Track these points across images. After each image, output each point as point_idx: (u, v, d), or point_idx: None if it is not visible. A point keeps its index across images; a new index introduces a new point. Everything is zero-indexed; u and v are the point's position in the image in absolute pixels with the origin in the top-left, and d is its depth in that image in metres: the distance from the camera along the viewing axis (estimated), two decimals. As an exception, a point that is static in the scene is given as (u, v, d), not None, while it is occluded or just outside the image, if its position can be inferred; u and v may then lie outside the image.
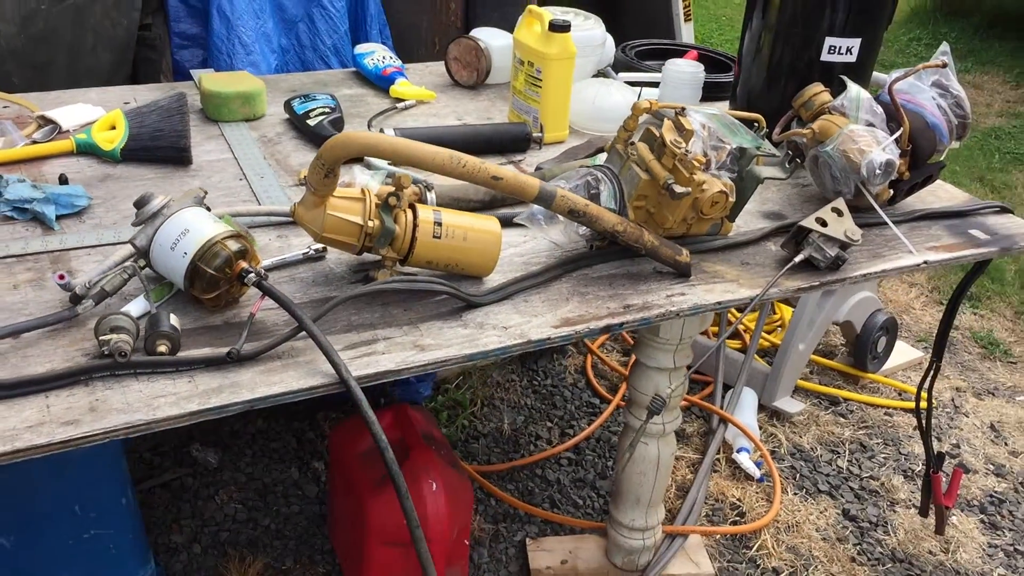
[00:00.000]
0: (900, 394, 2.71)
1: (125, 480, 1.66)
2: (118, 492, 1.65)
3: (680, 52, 2.36)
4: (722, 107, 2.08)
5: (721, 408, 2.50)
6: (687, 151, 1.36)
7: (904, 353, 2.87)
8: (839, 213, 1.49)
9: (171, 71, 2.42)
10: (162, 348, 1.13)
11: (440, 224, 1.31)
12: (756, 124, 1.57)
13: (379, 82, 2.09)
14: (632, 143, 1.43)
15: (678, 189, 1.34)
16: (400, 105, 1.98)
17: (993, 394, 2.77)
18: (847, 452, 2.45)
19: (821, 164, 1.62)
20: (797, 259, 1.45)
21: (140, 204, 1.25)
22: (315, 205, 1.29)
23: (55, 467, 1.50)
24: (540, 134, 1.83)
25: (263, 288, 1.20)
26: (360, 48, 2.16)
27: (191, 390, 1.11)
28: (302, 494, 2.16)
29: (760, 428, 2.48)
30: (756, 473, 2.29)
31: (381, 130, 1.72)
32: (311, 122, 1.80)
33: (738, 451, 2.33)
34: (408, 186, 1.31)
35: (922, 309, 3.17)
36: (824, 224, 1.46)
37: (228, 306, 1.26)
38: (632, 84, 2.09)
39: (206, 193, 1.31)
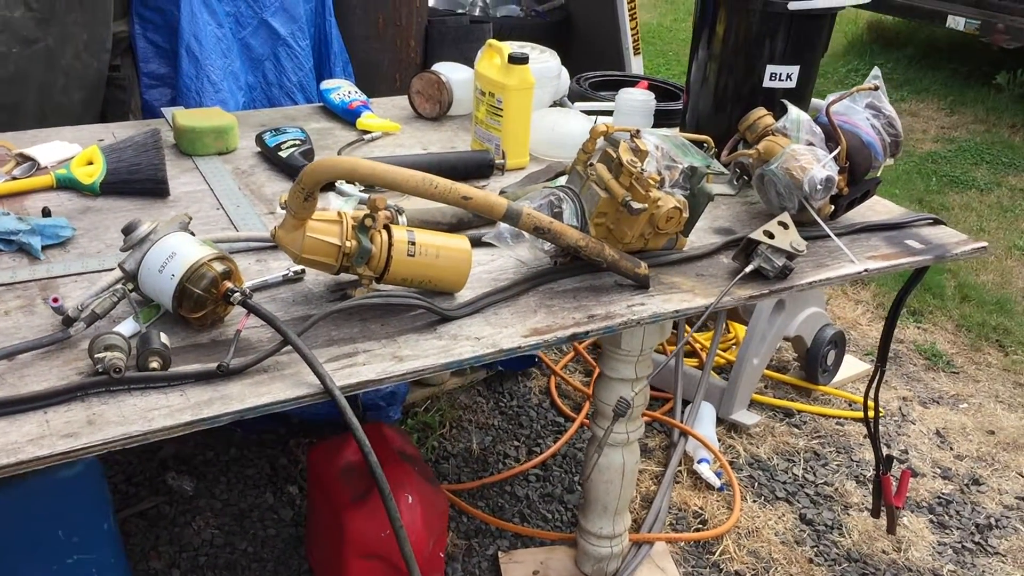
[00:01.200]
0: (850, 404, 2.82)
1: (107, 506, 1.69)
2: (100, 517, 1.68)
3: (632, 82, 2.47)
4: (673, 131, 2.19)
5: (681, 422, 2.58)
6: (643, 170, 1.45)
7: (853, 366, 2.98)
8: (784, 226, 1.59)
9: (140, 110, 2.48)
10: (154, 364, 1.19)
11: (414, 243, 1.38)
12: (705, 145, 1.67)
13: (346, 115, 2.16)
14: (591, 164, 1.52)
15: (635, 205, 1.42)
16: (367, 137, 2.06)
17: (938, 402, 2.89)
18: (802, 460, 2.55)
19: (767, 182, 1.72)
20: (747, 269, 1.55)
21: (128, 230, 1.31)
22: (295, 228, 1.35)
23: (39, 492, 1.53)
24: (502, 161, 1.92)
25: (248, 306, 1.26)
26: (326, 84, 2.24)
27: (183, 403, 1.16)
28: (278, 517, 2.20)
29: (719, 440, 2.57)
30: (716, 483, 2.37)
31: (351, 159, 1.79)
32: (283, 153, 1.86)
33: (699, 462, 2.41)
34: (383, 207, 1.38)
35: (868, 324, 3.30)
36: (771, 236, 1.56)
37: (214, 325, 1.32)
38: (588, 112, 2.19)
39: (191, 219, 1.37)
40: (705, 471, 2.39)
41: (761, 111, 1.82)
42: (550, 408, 2.69)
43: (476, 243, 1.54)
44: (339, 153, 1.93)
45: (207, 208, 1.69)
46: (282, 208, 1.34)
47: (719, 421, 2.65)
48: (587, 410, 2.64)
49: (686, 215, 1.52)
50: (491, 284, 1.49)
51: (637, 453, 1.88)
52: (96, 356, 1.17)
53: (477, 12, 3.52)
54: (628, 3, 3.20)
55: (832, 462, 2.56)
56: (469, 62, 2.10)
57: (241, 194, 1.75)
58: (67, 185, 1.72)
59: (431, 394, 2.64)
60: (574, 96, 2.35)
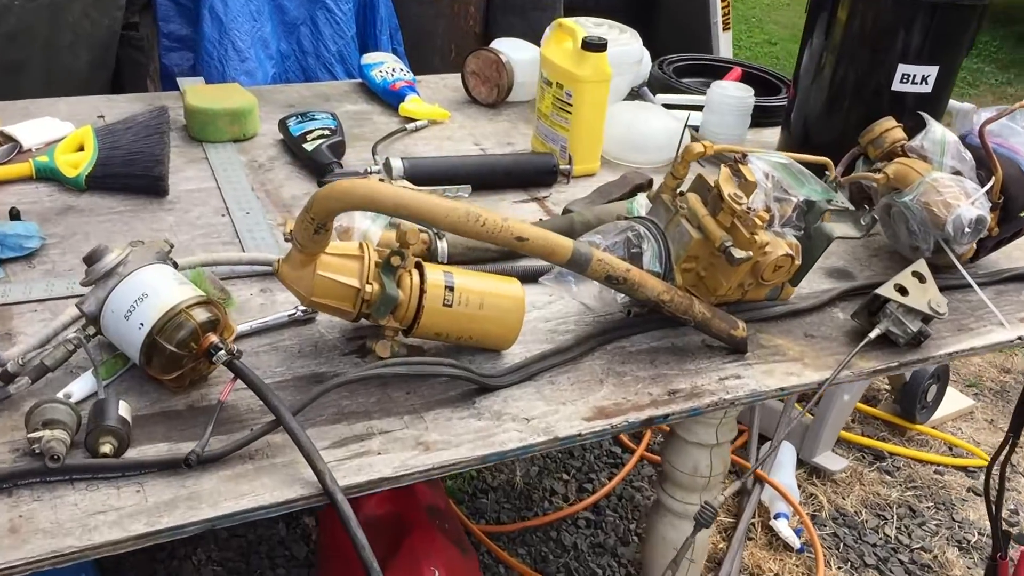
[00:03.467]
0: (951, 448, 2.50)
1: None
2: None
3: (722, 68, 2.15)
4: (772, 135, 1.88)
5: (756, 461, 2.30)
6: (749, 208, 1.15)
7: (954, 401, 2.66)
8: (921, 279, 1.28)
9: (159, 76, 2.23)
10: (106, 448, 0.94)
11: (452, 289, 1.11)
12: (826, 172, 1.36)
13: (387, 97, 1.89)
14: (681, 193, 1.22)
15: (738, 254, 1.13)
16: (410, 126, 1.78)
17: (1053, 450, 2.56)
18: (895, 518, 2.25)
19: (895, 215, 1.41)
20: (872, 335, 1.25)
21: (91, 260, 1.05)
22: (303, 264, 1.09)
23: None
24: (568, 166, 1.63)
25: (235, 370, 1.00)
26: (367, 58, 1.96)
27: (138, 504, 0.91)
28: (289, 555, 1.97)
29: (799, 487, 2.27)
30: (796, 543, 2.08)
31: (387, 160, 1.52)
32: (308, 146, 1.60)
33: (776, 517, 2.13)
34: (415, 243, 1.11)
35: (972, 350, 2.96)
36: (904, 293, 1.25)
37: (195, 385, 1.07)
38: (669, 107, 1.89)
39: (171, 247, 1.11)
40: (784, 528, 2.10)
41: (889, 122, 1.50)
42: (605, 434, 2.42)
43: (531, 278, 1.26)
44: (374, 148, 1.65)
45: (210, 214, 1.43)
46: (287, 240, 1.08)
47: (799, 463, 2.35)
48: (647, 440, 2.36)
49: (798, 263, 1.22)
50: (548, 337, 1.21)
51: (711, 527, 1.60)
52: (31, 436, 0.92)
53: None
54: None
55: (930, 520, 2.26)
56: (538, 35, 1.81)
57: (253, 196, 1.49)
58: (48, 176, 1.47)
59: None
60: (655, 84, 2.04)
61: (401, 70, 1.92)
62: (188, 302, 1.02)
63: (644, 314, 1.24)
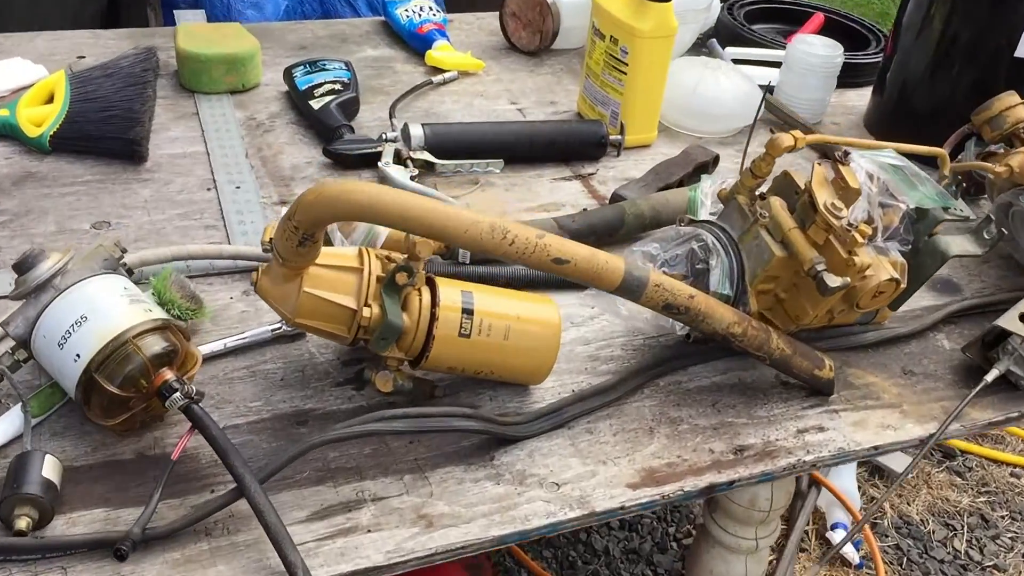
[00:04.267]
0: (1029, 447, 2.27)
1: None
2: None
3: (801, 13, 1.88)
4: (859, 97, 1.63)
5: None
6: (850, 224, 0.92)
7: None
8: (1052, 306, 1.05)
9: (160, 3, 2.00)
10: (22, 523, 0.75)
11: (471, 314, 0.89)
12: (939, 164, 1.11)
13: (412, 42, 1.65)
14: (762, 197, 0.99)
15: (832, 282, 0.90)
16: (437, 78, 1.55)
17: None
18: (965, 528, 2.04)
19: (1018, 216, 1.17)
20: (989, 377, 1.02)
21: (21, 268, 0.85)
22: (286, 279, 0.88)
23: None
24: (620, 136, 1.39)
25: (193, 418, 0.80)
26: (392, -7, 1.72)
27: (58, 601, 0.72)
28: None
29: (858, 489, 2.06)
30: (855, 558, 1.88)
31: (406, 126, 1.30)
32: (315, 103, 1.37)
33: (833, 527, 1.92)
34: (426, 256, 0.89)
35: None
36: (1032, 325, 1.02)
37: (148, 426, 0.87)
38: (740, 62, 1.63)
39: (124, 251, 0.90)
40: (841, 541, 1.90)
41: (1012, 98, 1.25)
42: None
43: (568, 284, 1.05)
44: (392, 109, 1.42)
45: (194, 187, 1.22)
46: (265, 250, 0.87)
47: (860, 462, 2.14)
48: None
49: (903, 286, 0.99)
50: (586, 365, 1.00)
51: (765, 563, 1.40)
52: (-75, 506, 0.74)
53: None
54: None
55: (1004, 533, 2.04)
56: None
57: (247, 165, 1.28)
58: (7, 134, 1.27)
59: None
60: (723, 34, 1.77)
61: (431, 9, 1.68)
62: (138, 328, 0.82)
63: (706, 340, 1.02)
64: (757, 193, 1.00)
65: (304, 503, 0.82)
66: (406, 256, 0.89)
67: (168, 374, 0.82)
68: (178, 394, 0.81)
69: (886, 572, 1.89)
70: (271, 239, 0.86)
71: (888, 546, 1.97)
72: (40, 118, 1.27)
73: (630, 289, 0.88)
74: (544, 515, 0.84)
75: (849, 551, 1.89)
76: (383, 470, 0.86)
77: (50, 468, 0.78)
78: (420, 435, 0.88)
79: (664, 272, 0.97)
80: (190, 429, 0.81)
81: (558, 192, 1.30)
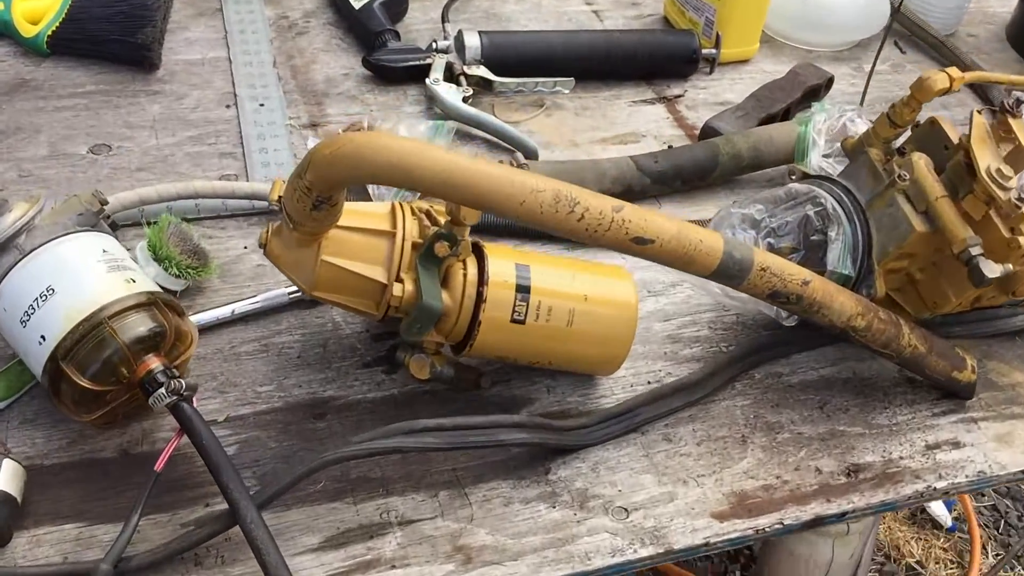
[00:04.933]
0: None
1: None
2: None
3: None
4: (1001, 4, 1.38)
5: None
6: (1021, 196, 0.72)
7: None
8: None
9: None
10: (-31, 552, 0.62)
11: (527, 293, 0.73)
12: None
13: (473, -74, 1.43)
14: (901, 152, 0.79)
15: (990, 272, 0.72)
16: (499, -28, 1.34)
17: None
18: (1072, 490, 1.86)
19: None
20: None
21: (-20, 223, 0.70)
22: (301, 244, 0.72)
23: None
24: (714, 50, 1.19)
25: (181, 421, 0.66)
26: None
27: (9, 653, 0.60)
28: None
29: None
30: (947, 519, 1.72)
31: (460, 33, 1.11)
32: (356, 2, 1.18)
33: (924, 487, 1.76)
34: (474, 221, 0.72)
35: None
36: None
37: (133, 416, 0.73)
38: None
39: (105, 203, 0.75)
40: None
41: None
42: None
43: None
44: (446, 11, 1.22)
45: (211, 103, 1.06)
46: (274, 208, 0.70)
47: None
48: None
49: (1073, 268, 0.79)
50: (664, 349, 0.84)
51: (854, 547, 1.25)
52: None
53: None
54: None
55: (1115, 497, 1.86)
56: None
57: (275, 76, 1.11)
58: (1, 31, 1.11)
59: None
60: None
61: None
62: (116, 305, 0.67)
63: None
64: (896, 148, 0.80)
65: (316, 524, 0.68)
66: (448, 219, 0.72)
67: (153, 362, 0.68)
68: (163, 390, 0.66)
69: (981, 538, 1.73)
70: (280, 197, 0.70)
71: (984, 506, 1.80)
72: (38, 14, 1.10)
73: (729, 274, 0.70)
74: (609, 552, 0.69)
75: (941, 512, 1.73)
76: (413, 483, 0.72)
77: (9, 477, 0.65)
78: (459, 451, 0.72)
79: (770, 244, 0.79)
80: (178, 432, 0.67)
81: (637, 119, 1.11)
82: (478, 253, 0.74)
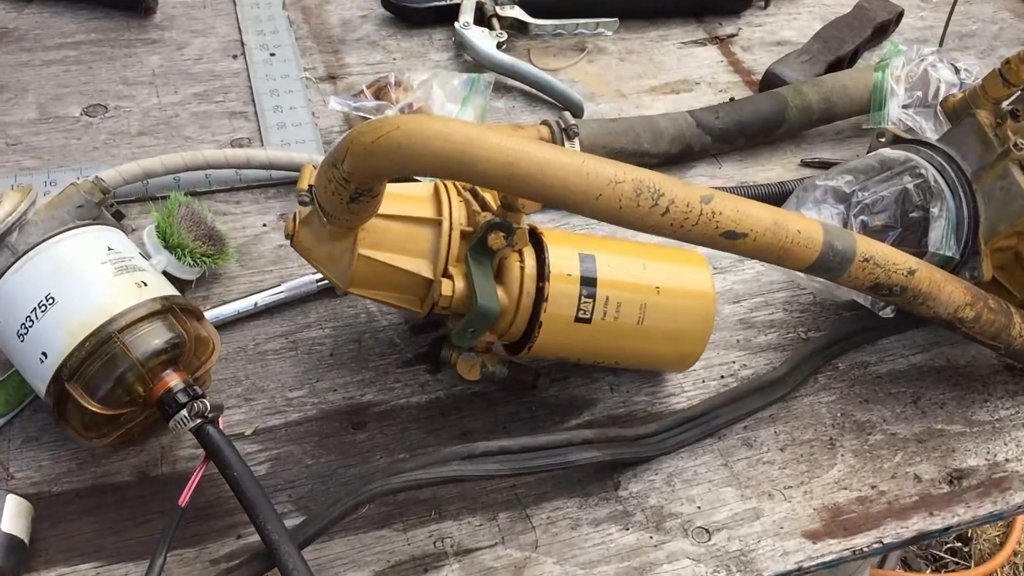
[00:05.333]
0: None
1: None
2: None
3: None
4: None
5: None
6: None
7: None
8: None
9: None
10: (-29, 609, 0.55)
11: (593, 286, 0.64)
12: None
13: None
14: (1015, 115, 0.70)
15: (1126, 259, 0.63)
16: None
17: None
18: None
19: None
20: None
21: (-38, 220, 0.61)
22: (335, 236, 0.63)
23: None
24: (770, -19, 1.08)
25: (208, 448, 0.58)
26: None
27: None
28: None
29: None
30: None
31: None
32: (372, -68, 1.07)
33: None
34: (533, 210, 0.63)
35: None
36: None
37: (150, 431, 0.65)
38: None
39: (106, 192, 0.66)
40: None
41: None
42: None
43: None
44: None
45: (215, 52, 0.96)
46: (302, 202, 0.61)
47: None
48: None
49: None
50: (736, 335, 0.76)
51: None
52: None
53: None
54: None
55: None
56: None
57: (284, 19, 1.00)
58: (-22, -24, 1.00)
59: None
60: None
61: None
62: (127, 315, 0.58)
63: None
64: (1006, 107, 0.70)
65: (363, 557, 0.61)
66: (501, 206, 0.63)
67: (172, 379, 0.59)
68: (185, 412, 0.58)
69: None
70: (310, 186, 0.60)
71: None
72: (18, -47, 0.99)
73: (827, 268, 0.61)
74: (692, 583, 0.62)
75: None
76: (469, 504, 0.64)
77: (14, 517, 0.58)
78: (525, 476, 0.64)
79: (863, 223, 0.70)
80: (204, 459, 0.59)
81: (689, 63, 1.01)
82: (535, 241, 0.65)
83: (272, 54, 0.95)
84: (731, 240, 0.58)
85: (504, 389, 0.70)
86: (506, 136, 0.53)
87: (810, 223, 0.60)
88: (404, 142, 0.52)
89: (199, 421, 0.58)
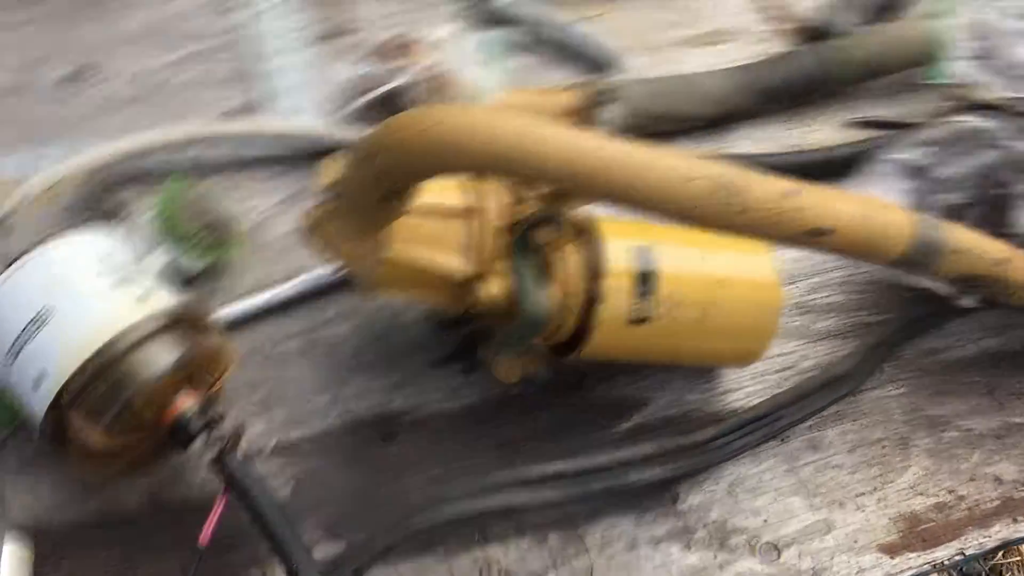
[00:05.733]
0: None
1: None
2: None
3: None
4: None
5: None
6: None
7: None
8: None
9: None
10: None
11: (651, 283, 0.58)
12: None
13: None
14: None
15: None
16: None
17: None
18: None
19: None
20: None
21: (-62, 226, 0.54)
22: (360, 232, 0.56)
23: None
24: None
25: (230, 482, 0.52)
26: None
27: None
28: None
29: None
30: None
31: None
32: None
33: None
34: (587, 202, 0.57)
35: None
36: None
37: (156, 457, 0.59)
38: None
39: (102, 187, 0.58)
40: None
41: None
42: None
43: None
44: None
45: (205, 5, 0.87)
46: (322, 202, 0.54)
47: None
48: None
49: None
50: (794, 321, 0.70)
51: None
52: None
53: None
54: None
55: None
56: None
57: (280, -33, 0.91)
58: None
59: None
60: None
61: None
62: (133, 333, 0.52)
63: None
64: (1100, 70, 0.64)
65: (400, 594, 0.55)
66: (549, 194, 0.57)
67: (184, 402, 0.53)
68: (199, 440, 0.52)
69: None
70: (335, 184, 0.53)
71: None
72: None
73: (913, 263, 0.55)
74: (763, 610, 0.57)
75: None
76: (515, 523, 0.59)
77: (14, 569, 0.51)
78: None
79: (942, 202, 0.64)
80: (224, 492, 0.53)
81: (723, 10, 0.93)
82: (586, 233, 0.59)
83: (269, 6, 0.87)
84: (819, 237, 0.51)
85: (545, 390, 0.64)
86: (564, 129, 0.46)
87: (899, 214, 0.54)
88: (452, 139, 0.46)
89: (222, 452, 0.52)
